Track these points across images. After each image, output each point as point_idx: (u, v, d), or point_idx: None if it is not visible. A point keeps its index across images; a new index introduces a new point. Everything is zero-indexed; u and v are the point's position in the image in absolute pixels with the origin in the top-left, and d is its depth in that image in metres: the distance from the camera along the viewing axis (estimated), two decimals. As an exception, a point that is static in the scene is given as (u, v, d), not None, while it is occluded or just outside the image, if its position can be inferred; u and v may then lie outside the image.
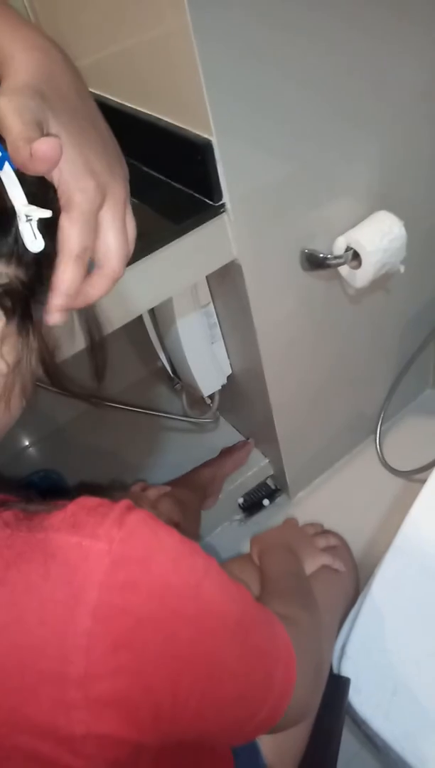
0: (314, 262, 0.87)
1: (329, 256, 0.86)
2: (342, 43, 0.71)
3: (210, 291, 0.99)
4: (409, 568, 0.82)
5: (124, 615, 0.35)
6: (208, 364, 1.09)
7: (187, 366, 1.08)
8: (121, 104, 0.79)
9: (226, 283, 0.89)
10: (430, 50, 0.80)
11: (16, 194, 0.32)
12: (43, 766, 0.35)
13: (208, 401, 1.23)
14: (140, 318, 1.03)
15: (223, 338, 1.07)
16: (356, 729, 0.78)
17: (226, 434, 1.31)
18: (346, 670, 0.75)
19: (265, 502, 1.30)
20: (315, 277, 0.91)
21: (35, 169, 0.32)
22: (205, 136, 0.67)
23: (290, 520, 0.98)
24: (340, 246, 0.86)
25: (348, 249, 0.85)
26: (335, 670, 0.76)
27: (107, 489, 1.11)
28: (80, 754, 0.35)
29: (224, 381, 1.13)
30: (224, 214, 0.73)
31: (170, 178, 0.78)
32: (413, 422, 1.39)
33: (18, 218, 0.33)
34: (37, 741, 0.34)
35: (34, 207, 0.33)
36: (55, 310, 0.36)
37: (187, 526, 1.04)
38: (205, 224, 0.73)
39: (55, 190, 0.34)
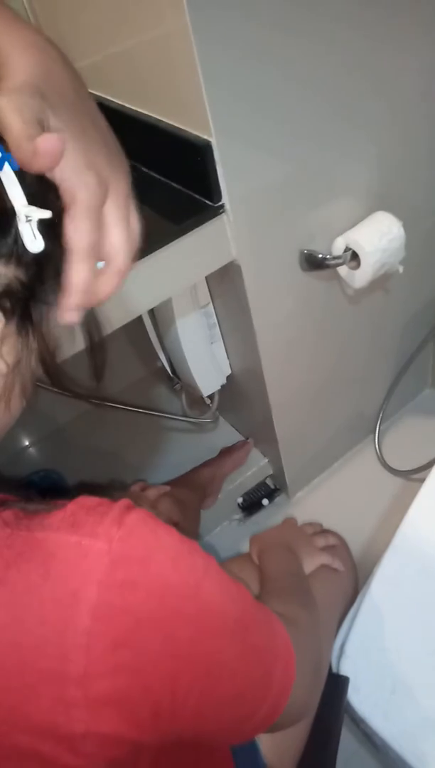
0: (313, 263, 0.87)
1: (328, 256, 0.86)
2: (341, 43, 0.71)
3: (209, 291, 0.99)
4: (408, 568, 0.82)
5: (123, 614, 0.35)
6: (207, 364, 1.09)
7: (186, 366, 1.08)
8: (121, 105, 0.79)
9: (225, 283, 0.89)
10: (429, 50, 0.80)
11: (16, 194, 0.32)
12: (42, 764, 0.35)
13: (208, 401, 1.23)
14: (140, 318, 1.03)
15: (223, 338, 1.07)
16: (355, 728, 0.78)
17: (226, 434, 1.31)
18: (345, 669, 0.75)
19: (265, 501, 1.30)
20: (314, 277, 0.91)
21: (38, 165, 0.32)
22: (205, 137, 0.67)
23: (289, 520, 0.98)
24: (339, 246, 0.86)
25: (347, 249, 0.85)
26: (334, 669, 0.76)
27: (107, 489, 1.11)
28: (80, 752, 0.35)
29: (224, 381, 1.13)
30: (223, 214, 0.74)
31: (170, 179, 0.78)
32: (412, 422, 1.39)
33: (18, 219, 0.33)
34: (36, 740, 0.34)
35: (33, 207, 0.32)
36: (70, 309, 0.36)
37: (187, 525, 1.04)
38: (204, 225, 0.73)
39: (55, 191, 0.34)
